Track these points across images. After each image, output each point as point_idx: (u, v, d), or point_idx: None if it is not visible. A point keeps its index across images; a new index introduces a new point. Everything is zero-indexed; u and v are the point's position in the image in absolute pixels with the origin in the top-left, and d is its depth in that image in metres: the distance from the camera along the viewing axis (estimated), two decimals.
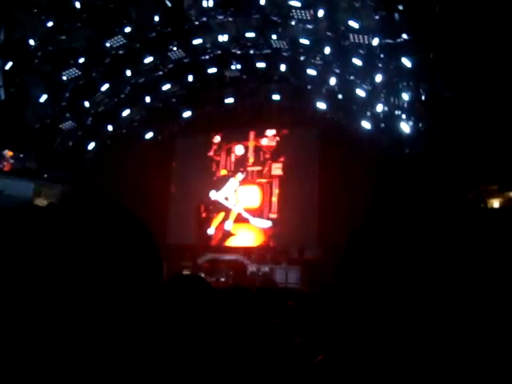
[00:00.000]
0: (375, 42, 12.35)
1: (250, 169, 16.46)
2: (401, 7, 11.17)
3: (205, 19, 13.81)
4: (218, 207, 16.39)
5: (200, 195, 16.43)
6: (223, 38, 14.18)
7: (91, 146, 15.88)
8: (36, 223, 0.70)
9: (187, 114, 16.17)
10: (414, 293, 1.09)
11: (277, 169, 16.13)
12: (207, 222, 16.48)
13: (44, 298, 0.65)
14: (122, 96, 15.48)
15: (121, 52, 14.23)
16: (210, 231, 16.38)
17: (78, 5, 12.73)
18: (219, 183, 16.61)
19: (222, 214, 16.33)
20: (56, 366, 0.64)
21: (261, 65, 14.77)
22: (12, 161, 13.18)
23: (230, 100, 15.74)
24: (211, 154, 16.98)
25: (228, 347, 1.89)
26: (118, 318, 0.69)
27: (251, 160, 16.53)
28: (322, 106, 14.66)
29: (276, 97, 15.26)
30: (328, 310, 2.53)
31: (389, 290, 1.13)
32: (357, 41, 12.69)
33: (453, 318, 0.95)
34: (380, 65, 12.94)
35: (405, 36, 11.69)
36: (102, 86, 14.82)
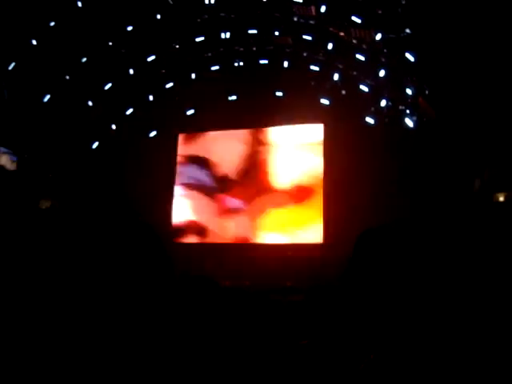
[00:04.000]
0: (378, 36, 12.32)
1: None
2: (403, 1, 11.13)
3: (206, 16, 13.79)
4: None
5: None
6: (225, 35, 14.16)
7: (95, 145, 15.91)
8: (39, 227, 0.70)
9: (190, 111, 16.16)
10: (421, 288, 1.07)
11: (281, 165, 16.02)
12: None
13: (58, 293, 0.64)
14: (125, 94, 15.49)
15: (123, 51, 14.23)
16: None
17: (80, 4, 12.77)
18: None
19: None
20: (61, 358, 0.63)
21: (263, 62, 14.73)
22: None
23: (232, 97, 15.71)
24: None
25: (233, 347, 1.88)
26: (128, 314, 0.68)
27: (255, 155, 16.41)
28: (325, 102, 14.60)
29: (279, 93, 15.20)
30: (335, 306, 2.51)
31: (396, 287, 1.11)
32: (359, 36, 12.67)
33: (456, 314, 0.94)
34: (383, 60, 12.90)
35: (408, 31, 11.65)
36: (104, 85, 14.83)
